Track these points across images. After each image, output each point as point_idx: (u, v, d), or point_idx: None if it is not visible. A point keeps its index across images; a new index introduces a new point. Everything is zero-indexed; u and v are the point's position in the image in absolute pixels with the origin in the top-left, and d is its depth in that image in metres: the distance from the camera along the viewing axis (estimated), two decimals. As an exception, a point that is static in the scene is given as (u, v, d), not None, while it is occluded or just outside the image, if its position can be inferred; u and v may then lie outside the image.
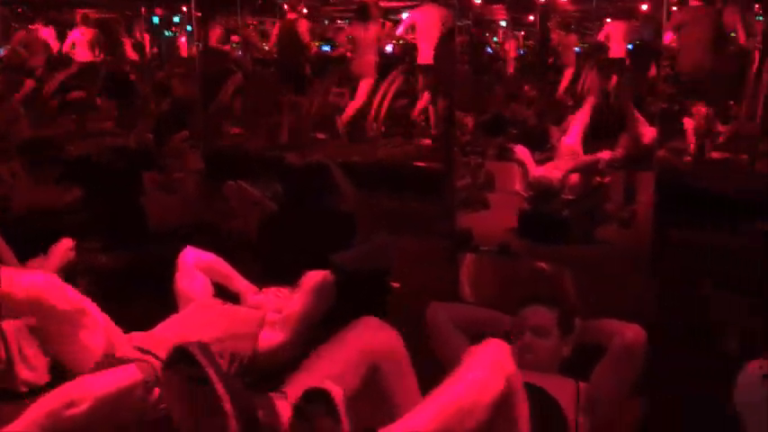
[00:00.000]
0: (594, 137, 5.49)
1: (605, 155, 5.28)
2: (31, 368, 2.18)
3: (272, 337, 2.41)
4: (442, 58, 6.61)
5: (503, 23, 10.92)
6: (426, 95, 7.26)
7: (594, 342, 2.10)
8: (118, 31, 9.54)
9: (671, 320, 3.26)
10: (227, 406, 1.47)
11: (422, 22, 6.98)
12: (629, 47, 8.45)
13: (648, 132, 5.55)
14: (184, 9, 10.35)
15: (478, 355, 1.66)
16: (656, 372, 2.54)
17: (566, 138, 5.56)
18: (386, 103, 7.03)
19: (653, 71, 7.40)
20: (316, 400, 1.47)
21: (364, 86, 7.37)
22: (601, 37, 8.60)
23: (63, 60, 9.92)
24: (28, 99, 8.51)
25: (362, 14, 7.71)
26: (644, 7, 9.22)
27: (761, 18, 7.78)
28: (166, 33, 10.99)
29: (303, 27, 7.56)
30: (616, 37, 8.32)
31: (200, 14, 7.87)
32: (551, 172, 5.04)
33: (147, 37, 9.98)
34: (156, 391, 2.01)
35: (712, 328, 2.86)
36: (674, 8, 6.44)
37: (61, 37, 10.27)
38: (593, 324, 2.19)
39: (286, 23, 7.67)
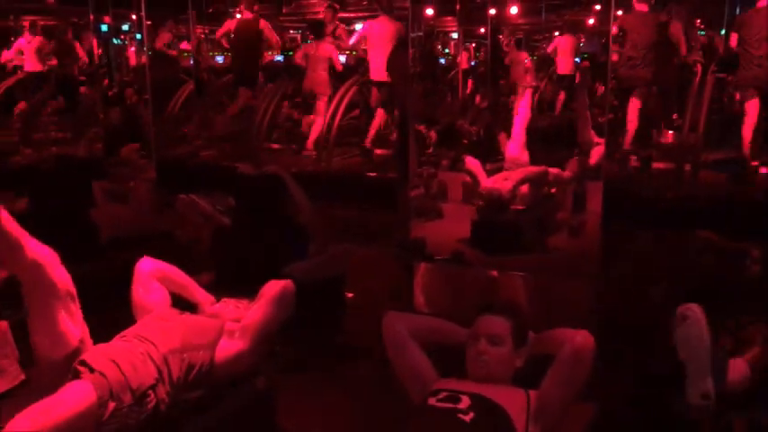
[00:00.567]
0: (547, 150, 5.63)
1: (553, 170, 5.40)
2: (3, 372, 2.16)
3: (230, 347, 2.39)
4: (395, 70, 6.66)
5: (454, 35, 11.05)
6: (381, 112, 7.31)
7: (546, 353, 2.14)
8: (67, 36, 9.34)
9: (620, 325, 3.34)
10: None
11: (375, 34, 7.00)
12: (577, 60, 8.67)
13: (597, 151, 5.72)
14: (134, 17, 10.21)
15: None
16: (605, 376, 2.62)
17: (510, 148, 5.67)
18: (338, 114, 7.04)
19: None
20: None
21: (321, 105, 7.40)
22: (549, 49, 8.80)
23: (7, 69, 9.70)
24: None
25: (317, 31, 7.73)
26: (591, 21, 9.47)
27: (703, 33, 8.07)
28: (115, 41, 10.82)
29: (264, 24, 7.54)
30: (564, 51, 8.52)
31: (150, 23, 7.77)
32: (501, 183, 5.12)
33: (95, 45, 9.78)
34: (111, 406, 1.99)
35: (661, 331, 2.94)
36: (620, 12, 6.59)
37: (5, 45, 10.04)
38: (543, 335, 2.23)
39: (243, 23, 7.63)
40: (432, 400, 2.01)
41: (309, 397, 2.97)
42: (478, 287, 4.35)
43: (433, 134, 7.07)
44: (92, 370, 2.03)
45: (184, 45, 9.20)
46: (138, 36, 9.80)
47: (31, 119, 8.72)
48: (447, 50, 11.81)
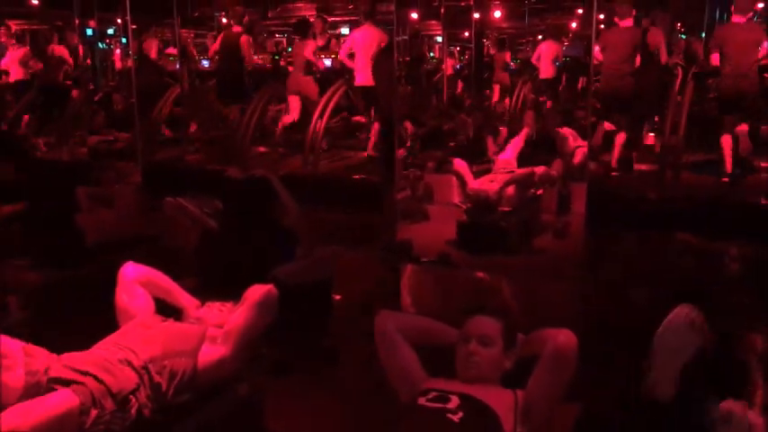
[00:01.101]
0: (532, 155, 5.68)
1: (539, 169, 5.44)
2: None
3: (212, 353, 2.38)
4: (380, 74, 6.69)
5: (439, 39, 11.11)
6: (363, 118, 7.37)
7: (532, 354, 2.16)
8: (51, 41, 9.29)
9: (604, 326, 3.38)
10: None
11: (360, 43, 7.05)
12: (558, 64, 8.75)
13: (579, 152, 5.77)
14: (119, 21, 10.18)
15: None
16: (591, 377, 2.65)
17: (502, 155, 5.72)
18: (324, 117, 7.06)
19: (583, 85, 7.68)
20: None
21: (294, 101, 7.47)
22: (533, 59, 8.87)
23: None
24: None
25: (301, 31, 7.75)
26: (573, 25, 9.57)
27: (684, 36, 8.17)
28: (100, 45, 10.78)
29: (244, 42, 7.56)
30: (546, 57, 8.60)
31: (135, 27, 7.75)
32: (488, 185, 5.15)
33: (80, 49, 9.74)
34: (93, 413, 1.99)
35: (645, 331, 2.97)
36: (603, 26, 6.69)
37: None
38: (530, 336, 2.26)
39: (230, 36, 7.64)
40: (421, 400, 2.03)
41: (296, 400, 2.97)
42: (465, 289, 4.38)
43: (408, 125, 7.09)
44: (67, 383, 2.03)
45: (170, 49, 9.17)
46: (124, 40, 9.77)
47: (16, 125, 8.67)
48: (432, 54, 11.86)
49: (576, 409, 2.31)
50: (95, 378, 2.04)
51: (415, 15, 10.27)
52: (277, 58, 9.53)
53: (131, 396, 2.08)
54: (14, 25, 9.68)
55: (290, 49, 9.60)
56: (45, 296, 3.51)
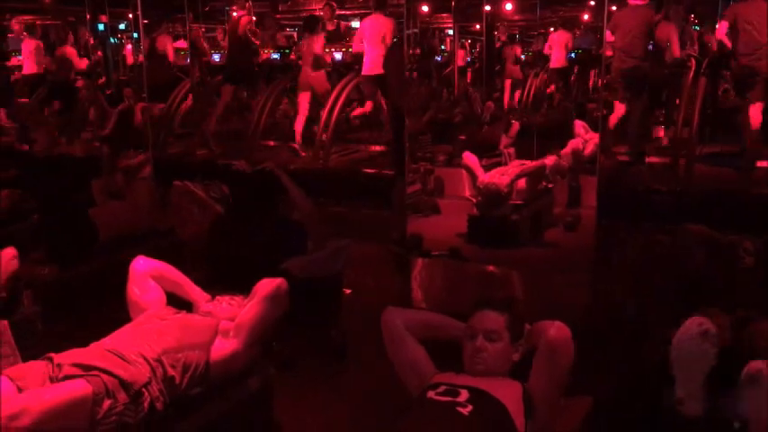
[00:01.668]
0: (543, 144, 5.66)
1: (550, 160, 5.43)
2: None
3: (224, 347, 2.39)
4: (391, 67, 6.67)
5: (450, 32, 11.07)
6: (369, 104, 7.33)
7: (533, 346, 2.16)
8: (65, 38, 9.34)
9: (615, 319, 3.37)
10: None
11: (369, 32, 7.02)
12: (572, 55, 8.68)
13: (591, 144, 5.74)
14: (130, 16, 10.20)
15: None
16: (601, 369, 2.64)
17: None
18: (335, 111, 7.05)
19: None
20: None
21: (303, 99, 7.46)
22: (546, 48, 8.80)
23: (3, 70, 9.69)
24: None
25: (310, 26, 7.74)
26: (585, 17, 9.49)
27: (697, 27, 8.09)
28: (111, 40, 10.80)
29: (244, 21, 7.57)
30: (558, 46, 8.54)
31: (147, 21, 7.77)
32: (499, 178, 5.14)
33: (91, 44, 9.78)
34: (106, 403, 2.01)
35: (656, 325, 2.97)
36: (614, 7, 6.59)
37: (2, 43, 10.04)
38: (532, 327, 2.25)
39: (233, 22, 7.69)
40: (431, 394, 2.03)
41: (306, 393, 2.99)
42: (475, 282, 4.38)
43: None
44: (85, 368, 2.04)
45: (180, 44, 9.19)
46: (135, 35, 9.80)
47: (28, 119, 8.73)
48: (443, 47, 11.82)
49: (587, 401, 2.31)
50: (108, 372, 2.05)
51: (425, 8, 10.23)
52: (287, 51, 9.52)
53: (144, 389, 2.10)
54: (28, 21, 9.73)
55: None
56: (58, 290, 3.54)
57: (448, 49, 11.56)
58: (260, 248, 3.16)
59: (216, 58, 9.32)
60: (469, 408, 1.94)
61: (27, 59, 9.09)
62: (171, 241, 3.98)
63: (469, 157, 5.39)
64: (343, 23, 8.64)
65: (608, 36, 6.05)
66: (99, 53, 9.78)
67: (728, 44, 5.82)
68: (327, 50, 7.80)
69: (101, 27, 9.66)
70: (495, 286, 4.24)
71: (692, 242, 2.79)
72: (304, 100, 7.48)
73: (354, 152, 7.37)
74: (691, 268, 2.84)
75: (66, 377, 2.03)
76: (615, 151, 6.37)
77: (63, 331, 2.41)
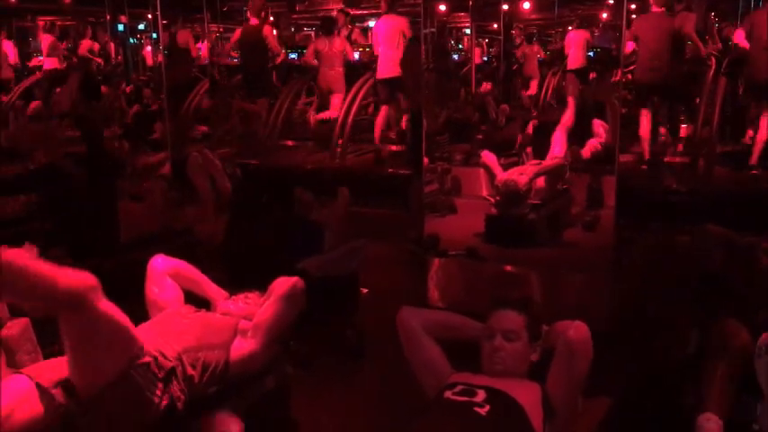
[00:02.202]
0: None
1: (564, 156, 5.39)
2: None
3: (243, 347, 2.39)
4: (408, 66, 6.66)
5: (467, 31, 11.04)
6: (385, 109, 7.32)
7: (551, 347, 2.15)
8: (84, 34, 9.45)
9: (633, 320, 3.35)
10: None
11: (381, 33, 7.00)
12: (590, 54, 8.63)
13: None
14: (149, 17, 10.28)
15: None
16: (620, 370, 2.62)
17: (553, 149, 5.60)
18: (352, 111, 7.06)
19: (616, 77, 7.56)
20: None
21: (336, 102, 7.43)
22: (566, 46, 8.75)
23: (25, 69, 9.82)
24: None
25: (327, 28, 7.74)
26: (604, 16, 9.43)
27: (717, 25, 8.01)
28: (131, 41, 10.90)
29: (267, 32, 7.55)
30: (576, 45, 8.48)
31: (166, 22, 7.82)
32: (518, 176, 5.11)
33: (111, 45, 9.88)
34: (147, 359, 2.03)
35: (674, 327, 2.94)
36: (634, 16, 6.57)
37: (22, 44, 10.17)
38: (550, 328, 2.24)
39: (248, 29, 7.66)
40: (448, 394, 2.03)
41: (323, 392, 2.99)
42: (492, 282, 4.36)
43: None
44: None
45: (199, 44, 9.25)
46: (155, 35, 9.87)
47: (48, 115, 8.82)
48: (460, 46, 11.80)
49: (605, 402, 2.30)
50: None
51: (443, 7, 10.21)
52: (303, 51, 9.56)
53: (170, 380, 2.10)
54: (49, 21, 9.84)
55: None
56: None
57: (465, 48, 11.55)
58: (275, 247, 3.17)
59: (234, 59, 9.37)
60: (487, 408, 1.94)
61: (46, 55, 9.19)
62: (187, 240, 4.01)
63: (488, 156, 5.36)
64: (356, 29, 8.61)
65: (629, 45, 6.00)
66: (118, 54, 9.89)
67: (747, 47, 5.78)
68: (352, 49, 7.77)
69: (120, 28, 9.75)
70: (513, 286, 4.22)
71: (711, 243, 2.77)
72: (337, 100, 7.45)
73: (369, 152, 7.37)
74: (709, 269, 2.81)
75: None
76: (633, 151, 6.34)
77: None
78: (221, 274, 2.89)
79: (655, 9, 6.08)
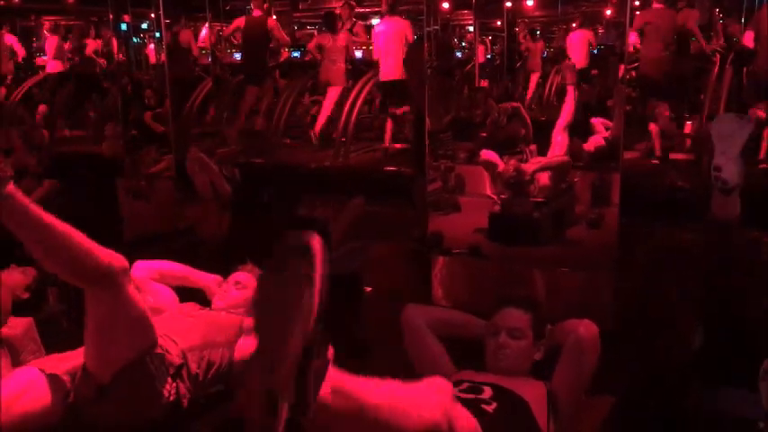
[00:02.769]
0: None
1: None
2: None
3: (248, 345, 2.36)
4: (411, 66, 6.65)
5: (470, 29, 11.01)
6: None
7: (557, 345, 2.15)
8: (87, 34, 9.45)
9: (638, 318, 3.34)
10: None
11: (383, 37, 6.98)
12: (594, 52, 8.59)
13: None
14: (152, 16, 10.27)
15: (423, 386, 1.71)
16: (624, 369, 2.62)
17: (554, 148, 5.58)
18: (356, 109, 7.05)
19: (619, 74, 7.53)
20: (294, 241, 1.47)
21: (332, 94, 7.42)
22: (567, 48, 8.71)
23: (29, 68, 9.82)
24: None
25: (330, 24, 7.73)
26: (608, 12, 9.39)
27: (722, 21, 7.98)
28: (134, 40, 10.90)
29: (273, 24, 7.54)
30: (579, 46, 8.44)
31: (168, 21, 7.82)
32: (522, 165, 5.11)
33: (114, 44, 9.87)
34: (160, 350, 2.06)
35: (679, 325, 2.94)
36: (638, 13, 6.55)
37: (26, 44, 10.17)
38: (555, 327, 2.24)
39: (251, 21, 7.64)
40: (454, 391, 2.03)
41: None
42: (496, 281, 4.35)
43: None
44: None
45: (201, 42, 9.26)
46: (158, 34, 9.88)
47: (54, 118, 8.84)
48: (463, 44, 11.77)
49: (608, 400, 2.29)
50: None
51: (446, 5, 10.18)
52: (305, 49, 9.55)
53: (178, 378, 2.11)
54: (49, 21, 9.86)
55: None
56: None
57: (468, 45, 11.51)
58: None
59: (238, 57, 9.35)
60: (494, 405, 1.94)
61: (51, 58, 9.20)
62: (190, 240, 4.00)
63: (487, 153, 5.34)
64: (359, 23, 8.59)
65: (633, 38, 5.98)
66: (120, 53, 9.88)
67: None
68: (353, 47, 7.75)
69: (123, 27, 9.75)
70: (517, 285, 4.21)
71: (715, 239, 2.77)
72: (333, 93, 7.42)
73: (373, 150, 7.36)
74: (713, 265, 2.81)
75: None
76: (637, 148, 6.32)
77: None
78: (224, 274, 2.89)
79: (656, 5, 6.06)
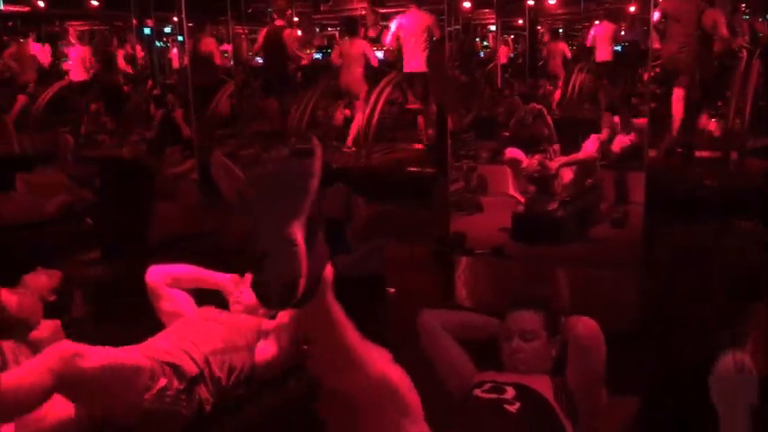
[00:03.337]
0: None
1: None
2: None
3: (268, 349, 2.38)
4: (434, 65, 6.63)
5: (492, 28, 10.97)
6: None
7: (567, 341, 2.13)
8: (110, 43, 9.56)
9: (663, 317, 3.30)
10: None
11: (408, 28, 6.96)
12: (618, 48, 8.52)
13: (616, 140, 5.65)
14: (175, 19, 10.38)
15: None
16: (648, 368, 2.59)
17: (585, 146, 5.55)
18: (377, 111, 7.05)
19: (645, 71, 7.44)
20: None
21: (359, 103, 7.43)
22: (588, 41, 8.64)
23: (54, 74, 9.95)
24: (20, 115, 8.53)
25: (349, 29, 7.73)
26: (631, 9, 9.30)
27: (747, 17, 7.86)
28: (157, 44, 11.02)
29: (288, 36, 7.55)
30: (603, 38, 8.37)
31: (191, 24, 7.88)
32: (547, 161, 5.09)
33: (138, 48, 9.98)
34: (162, 381, 2.02)
35: (704, 326, 2.90)
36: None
37: (53, 49, 10.33)
38: (563, 322, 2.22)
39: (272, 30, 7.67)
40: (477, 392, 2.02)
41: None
42: (519, 281, 4.32)
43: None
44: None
45: (225, 46, 9.32)
46: (180, 38, 9.97)
47: (77, 125, 8.95)
48: (486, 43, 11.73)
49: (632, 402, 2.27)
50: (163, 360, 2.08)
51: (467, 4, 10.16)
52: (328, 51, 9.58)
53: (195, 386, 2.11)
54: (76, 27, 9.98)
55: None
56: (108, 291, 3.61)
57: (491, 45, 11.48)
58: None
59: (259, 60, 9.41)
60: (517, 405, 1.93)
61: (76, 66, 9.32)
62: (215, 242, 4.03)
63: (512, 151, 5.30)
64: (386, 31, 8.61)
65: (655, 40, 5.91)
66: (143, 57, 9.99)
67: None
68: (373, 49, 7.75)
69: (147, 31, 9.86)
70: (540, 285, 4.18)
71: (741, 239, 2.72)
72: (360, 103, 7.44)
73: (397, 150, 7.36)
74: (739, 266, 2.76)
75: None
76: (667, 145, 6.23)
77: (113, 332, 2.45)
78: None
79: None
